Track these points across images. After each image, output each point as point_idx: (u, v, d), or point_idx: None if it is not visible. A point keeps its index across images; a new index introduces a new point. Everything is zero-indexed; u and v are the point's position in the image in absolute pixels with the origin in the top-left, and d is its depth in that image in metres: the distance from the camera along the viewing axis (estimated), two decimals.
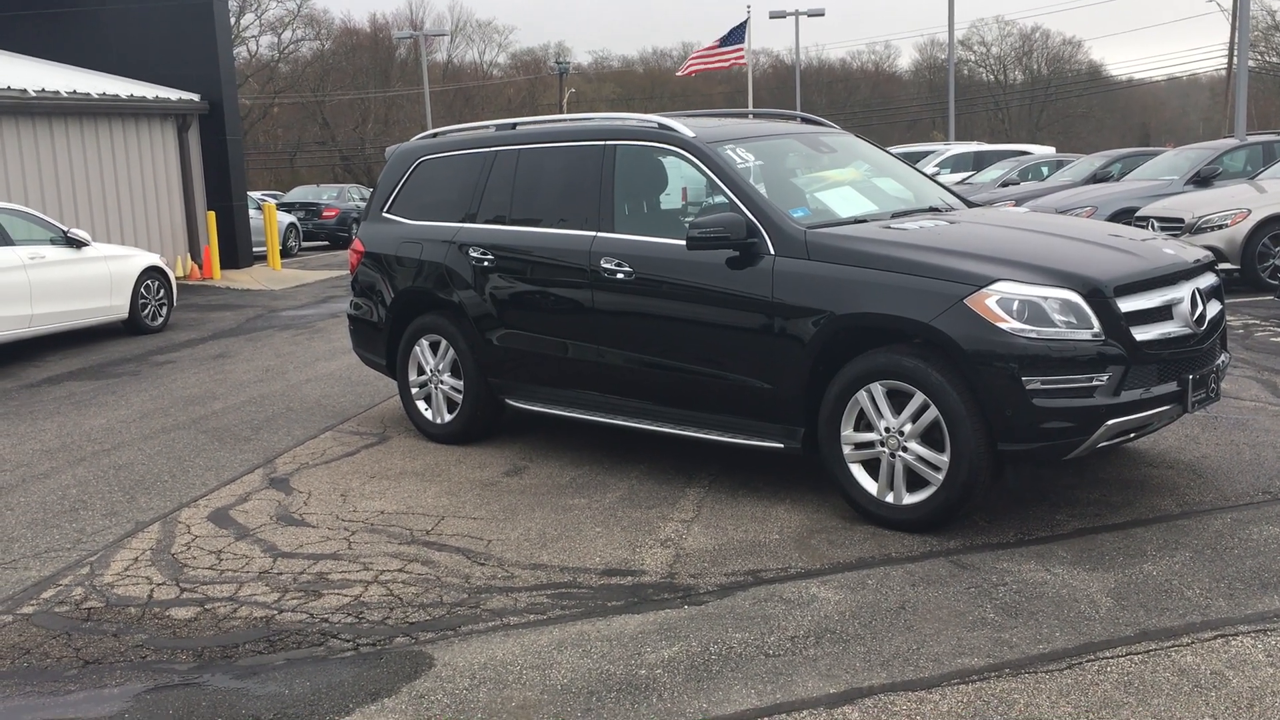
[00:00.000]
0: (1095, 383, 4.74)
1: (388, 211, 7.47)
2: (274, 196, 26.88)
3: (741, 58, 39.04)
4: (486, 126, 7.22)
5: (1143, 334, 4.87)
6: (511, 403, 6.74)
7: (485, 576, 4.81)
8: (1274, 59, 66.68)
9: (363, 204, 32.64)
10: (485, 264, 6.66)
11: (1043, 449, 4.81)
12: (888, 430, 5.03)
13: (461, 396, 6.95)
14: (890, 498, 5.09)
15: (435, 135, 7.54)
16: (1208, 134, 59.76)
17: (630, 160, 6.22)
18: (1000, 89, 76.76)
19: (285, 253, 25.16)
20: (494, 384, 6.79)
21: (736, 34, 38.37)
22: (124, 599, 4.75)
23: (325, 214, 30.05)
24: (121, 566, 5.15)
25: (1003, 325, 4.73)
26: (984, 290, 4.79)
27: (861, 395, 5.10)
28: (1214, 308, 5.32)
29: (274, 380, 9.67)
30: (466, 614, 4.42)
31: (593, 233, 6.14)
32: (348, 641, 4.23)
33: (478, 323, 6.72)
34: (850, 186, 6.10)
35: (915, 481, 5.03)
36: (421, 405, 7.24)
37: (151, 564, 5.17)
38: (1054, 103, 76.34)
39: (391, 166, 7.57)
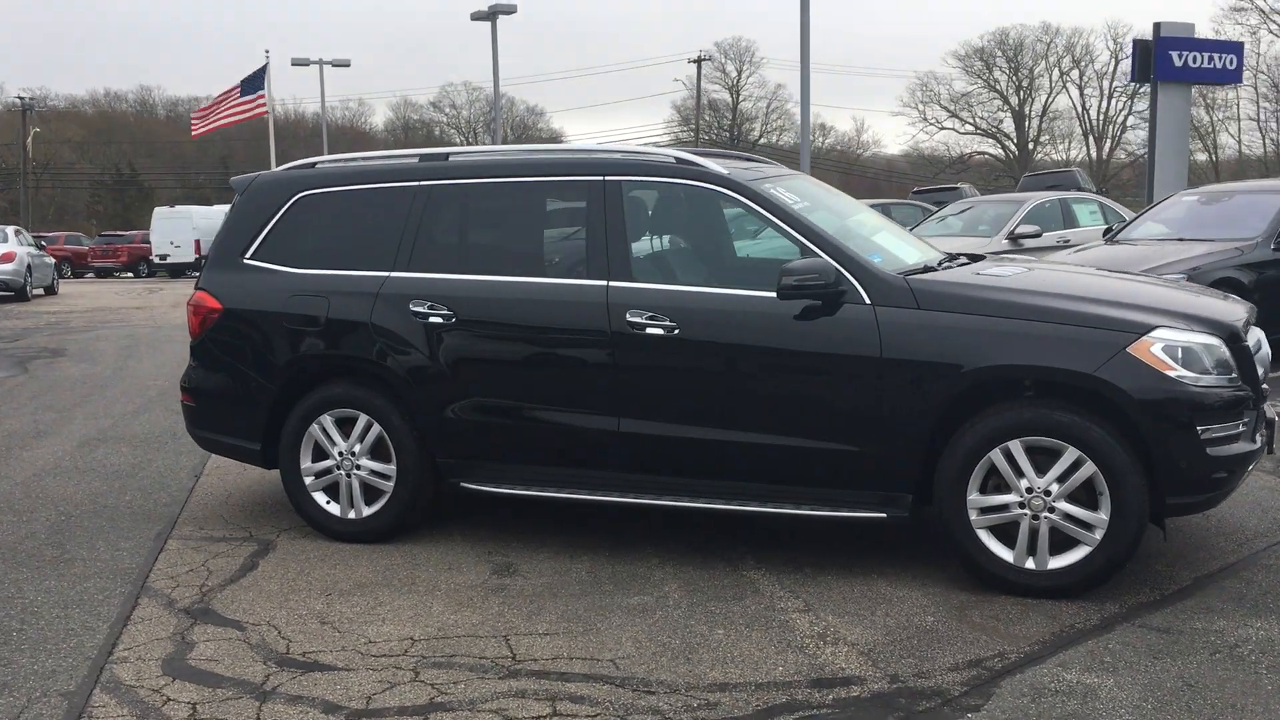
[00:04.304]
0: (1241, 428, 4.70)
1: (253, 258, 5.95)
2: None
3: (264, 107, 36.85)
4: (405, 156, 6.00)
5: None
6: (468, 486, 5.55)
7: (679, 707, 3.81)
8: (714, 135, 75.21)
9: None
10: (437, 320, 5.46)
11: (1207, 499, 4.69)
12: (1030, 490, 4.67)
13: (392, 483, 5.62)
14: (1031, 563, 4.71)
15: (313, 165, 6.14)
16: None
17: (644, 199, 5.42)
18: None
19: None
20: (444, 465, 5.57)
21: (255, 81, 36.14)
22: None
23: None
24: None
25: (1171, 373, 4.55)
26: (1145, 338, 4.59)
27: (996, 455, 4.69)
28: None
29: None
30: None
31: (603, 282, 5.24)
32: None
33: (425, 391, 5.49)
34: (887, 231, 5.71)
35: (1058, 544, 4.70)
36: (321, 498, 5.78)
37: None
38: None
39: (251, 202, 6.05)
